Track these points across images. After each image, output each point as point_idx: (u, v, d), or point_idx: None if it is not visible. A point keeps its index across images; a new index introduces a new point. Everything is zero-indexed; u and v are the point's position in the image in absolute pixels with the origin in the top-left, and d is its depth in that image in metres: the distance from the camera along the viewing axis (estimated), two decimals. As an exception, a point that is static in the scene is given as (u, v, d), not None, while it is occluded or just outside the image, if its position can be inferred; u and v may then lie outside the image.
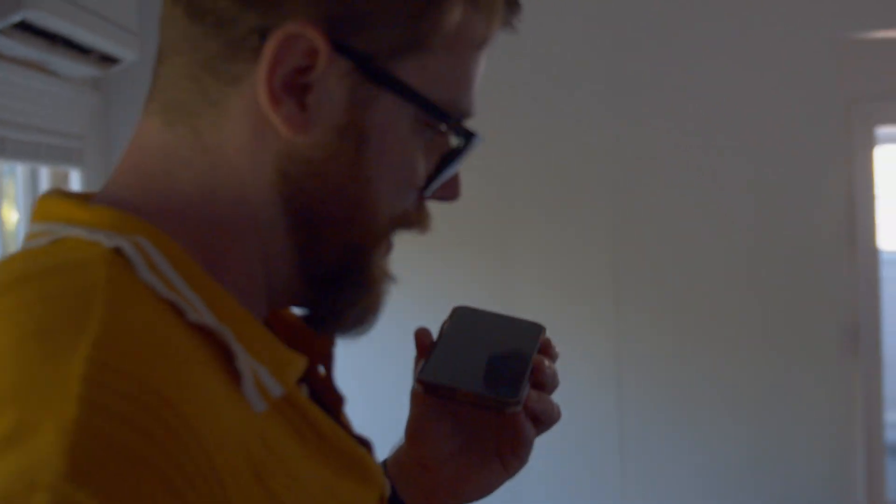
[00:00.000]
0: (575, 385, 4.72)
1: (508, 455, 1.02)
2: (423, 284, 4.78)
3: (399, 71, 0.76)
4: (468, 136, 0.80)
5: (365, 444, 0.91)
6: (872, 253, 4.79)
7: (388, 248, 0.84)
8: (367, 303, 0.83)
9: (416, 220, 0.84)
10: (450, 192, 0.86)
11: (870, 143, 4.79)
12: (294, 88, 0.74)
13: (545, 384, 1.02)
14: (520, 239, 4.73)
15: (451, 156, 0.82)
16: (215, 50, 0.75)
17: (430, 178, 0.82)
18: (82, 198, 0.77)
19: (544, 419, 1.01)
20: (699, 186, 4.49)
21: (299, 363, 0.77)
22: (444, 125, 0.79)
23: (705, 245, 4.54)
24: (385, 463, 1.04)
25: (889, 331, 6.13)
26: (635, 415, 4.74)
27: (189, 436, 0.61)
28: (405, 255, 0.95)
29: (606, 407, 4.75)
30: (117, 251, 0.70)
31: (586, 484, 4.74)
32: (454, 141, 0.81)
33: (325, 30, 0.73)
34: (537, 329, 1.05)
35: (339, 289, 0.81)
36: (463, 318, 1.05)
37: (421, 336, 1.01)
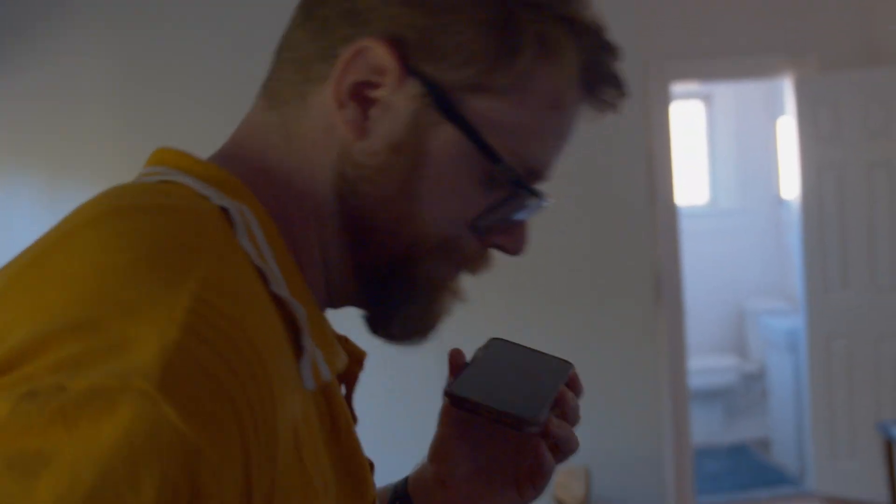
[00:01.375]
0: None
1: (526, 483, 1.03)
2: None
3: (466, 107, 0.81)
4: (518, 186, 0.85)
5: (369, 464, 0.95)
6: (671, 207, 4.96)
7: (449, 269, 0.89)
8: (418, 312, 0.89)
9: (470, 255, 0.89)
10: (511, 243, 0.90)
11: (665, 99, 4.95)
12: (361, 98, 0.82)
13: (567, 414, 1.01)
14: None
15: (502, 202, 0.86)
16: (312, 51, 0.84)
17: (478, 217, 0.86)
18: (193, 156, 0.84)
19: (563, 447, 1.00)
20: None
21: (344, 358, 0.84)
22: (498, 170, 0.83)
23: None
24: (407, 478, 1.09)
25: (693, 282, 6.39)
26: None
27: (266, 388, 0.67)
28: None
29: (425, 359, 4.81)
30: (223, 211, 0.76)
31: (416, 438, 4.78)
32: (525, 197, 0.86)
33: (399, 51, 0.81)
34: (567, 365, 1.07)
35: (387, 293, 0.87)
36: (496, 347, 1.10)
37: (454, 355, 1.03)
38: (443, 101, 0.81)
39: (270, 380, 0.68)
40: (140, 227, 0.70)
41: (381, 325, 0.90)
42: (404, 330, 0.90)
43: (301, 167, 0.84)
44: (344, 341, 0.92)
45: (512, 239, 0.90)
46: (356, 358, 0.92)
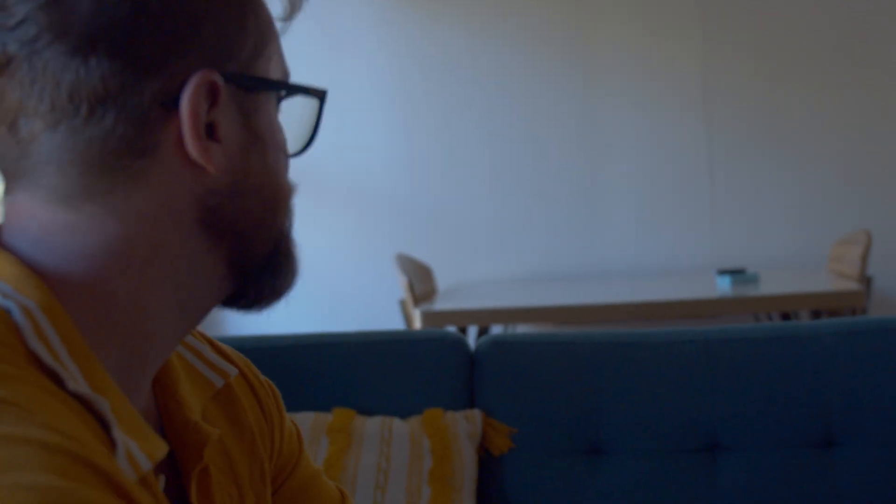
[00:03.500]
0: (663, 113, 4.64)
1: None
2: (495, 20, 4.69)
3: (260, 70, 0.86)
4: (322, 95, 0.90)
5: None
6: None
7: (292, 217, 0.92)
8: (288, 270, 0.91)
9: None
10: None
11: None
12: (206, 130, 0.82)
13: None
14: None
15: (319, 118, 0.91)
16: (123, 133, 0.79)
17: (308, 143, 0.92)
18: None
19: None
20: None
21: (162, 447, 0.80)
22: (304, 95, 0.89)
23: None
24: None
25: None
26: (724, 141, 4.68)
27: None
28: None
29: (694, 134, 4.67)
30: (6, 311, 0.75)
31: (677, 212, 4.70)
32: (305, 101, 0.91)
33: (215, 69, 0.81)
34: None
35: (272, 269, 0.89)
36: None
37: None
38: (249, 83, 0.84)
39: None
40: None
41: (257, 301, 0.90)
42: (280, 291, 0.91)
43: (145, 234, 0.81)
44: (194, 426, 0.91)
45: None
46: (195, 446, 0.90)
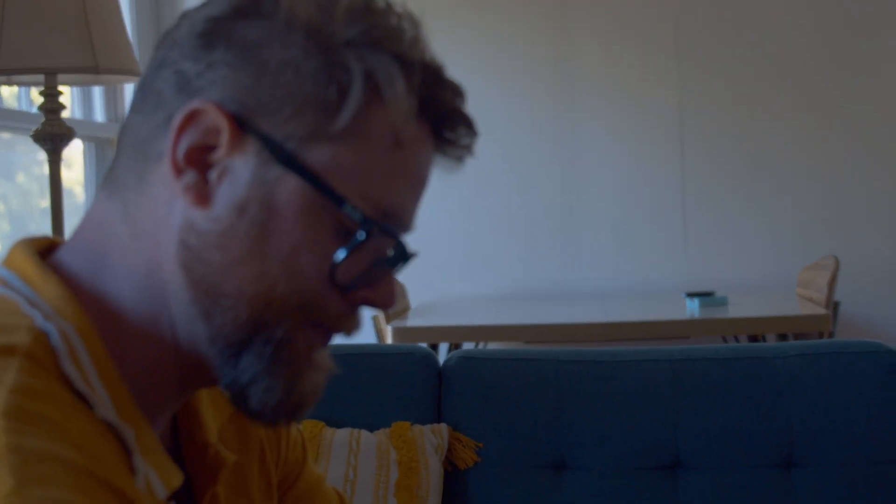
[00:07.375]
0: (639, 139, 4.73)
1: None
2: (475, 42, 4.75)
3: (306, 156, 0.80)
4: (372, 228, 0.82)
5: None
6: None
7: (313, 336, 0.85)
8: (279, 386, 0.84)
9: (335, 316, 0.85)
10: (378, 297, 0.87)
11: None
12: (200, 163, 0.81)
13: None
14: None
15: (357, 248, 0.83)
16: (147, 131, 0.83)
17: (335, 269, 0.83)
18: (46, 249, 0.86)
19: None
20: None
21: (178, 476, 0.83)
22: (345, 214, 0.81)
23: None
24: None
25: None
26: (697, 167, 4.76)
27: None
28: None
29: (669, 160, 4.75)
30: (45, 333, 0.77)
31: (650, 236, 4.79)
32: (385, 245, 0.84)
33: (234, 111, 0.80)
34: None
35: (241, 359, 0.83)
36: None
37: None
38: (281, 155, 0.80)
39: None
40: None
41: (240, 400, 0.85)
42: (265, 406, 0.85)
43: (144, 249, 0.83)
44: (212, 450, 0.92)
45: (377, 292, 0.86)
46: (211, 469, 0.92)
